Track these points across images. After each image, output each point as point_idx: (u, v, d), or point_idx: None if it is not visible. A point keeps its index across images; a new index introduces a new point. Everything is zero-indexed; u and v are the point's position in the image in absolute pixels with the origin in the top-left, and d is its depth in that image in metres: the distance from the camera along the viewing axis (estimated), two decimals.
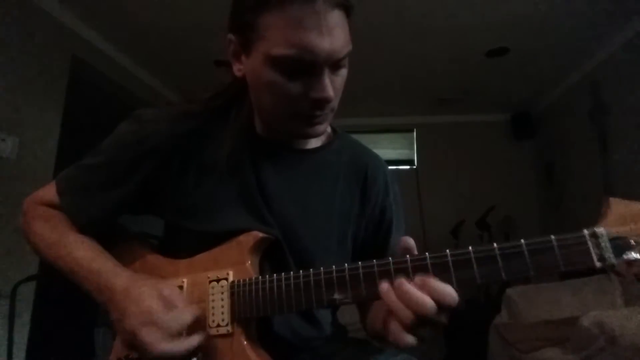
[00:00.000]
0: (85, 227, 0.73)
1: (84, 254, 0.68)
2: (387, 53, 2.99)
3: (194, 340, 0.60)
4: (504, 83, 3.49)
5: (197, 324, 0.62)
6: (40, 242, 0.72)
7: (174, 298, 0.61)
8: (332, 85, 0.63)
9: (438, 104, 3.95)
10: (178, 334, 0.59)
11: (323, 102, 0.62)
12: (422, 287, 0.51)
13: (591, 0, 2.32)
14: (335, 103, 0.67)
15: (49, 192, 0.75)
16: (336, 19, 0.60)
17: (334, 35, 0.59)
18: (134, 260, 0.75)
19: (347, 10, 0.62)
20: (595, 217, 0.51)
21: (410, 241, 0.56)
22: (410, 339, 0.52)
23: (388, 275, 0.54)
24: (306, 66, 0.60)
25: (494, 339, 2.37)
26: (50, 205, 0.74)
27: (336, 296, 0.58)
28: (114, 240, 0.77)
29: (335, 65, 0.62)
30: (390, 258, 0.56)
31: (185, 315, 0.60)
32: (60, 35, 2.42)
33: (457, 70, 3.26)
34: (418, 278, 0.52)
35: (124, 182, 0.71)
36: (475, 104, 3.94)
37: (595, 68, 3.01)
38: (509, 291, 2.48)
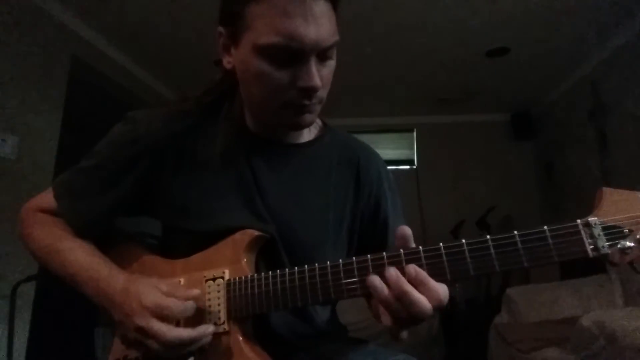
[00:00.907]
0: (82, 230, 0.73)
1: (81, 259, 0.68)
2: (387, 53, 2.99)
3: (209, 327, 0.61)
4: (504, 83, 3.49)
5: (199, 317, 0.63)
6: (39, 249, 0.72)
7: (174, 290, 0.62)
8: (321, 75, 0.63)
9: (438, 104, 3.95)
10: (186, 321, 0.60)
11: (310, 90, 0.63)
12: (423, 291, 0.51)
13: (591, 1, 2.32)
14: (323, 94, 0.67)
15: (46, 198, 0.75)
16: (322, 8, 0.61)
17: (320, 23, 0.60)
18: (131, 261, 0.75)
19: (334, 2, 0.63)
20: (590, 212, 0.51)
21: (407, 230, 0.56)
22: (404, 335, 0.54)
23: (382, 269, 0.54)
24: (293, 54, 0.61)
25: (494, 339, 2.37)
26: (48, 211, 0.75)
27: (332, 292, 0.58)
28: (111, 242, 0.78)
29: (322, 55, 0.63)
30: (384, 253, 0.56)
31: (188, 303, 0.61)
32: (60, 35, 2.42)
33: (457, 70, 3.25)
34: (411, 267, 0.52)
35: (119, 183, 0.72)
36: (475, 104, 3.94)
37: (595, 68, 3.01)
38: (509, 291, 2.48)
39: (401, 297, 0.51)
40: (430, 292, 0.51)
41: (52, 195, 0.75)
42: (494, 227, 3.60)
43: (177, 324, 0.61)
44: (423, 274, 0.52)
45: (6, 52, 2.09)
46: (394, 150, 4.30)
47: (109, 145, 0.74)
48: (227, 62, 0.69)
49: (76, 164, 0.76)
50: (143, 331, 0.58)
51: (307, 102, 0.65)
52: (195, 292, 0.62)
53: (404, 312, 0.51)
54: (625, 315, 1.60)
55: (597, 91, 2.97)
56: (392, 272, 0.53)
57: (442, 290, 0.52)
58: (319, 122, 0.83)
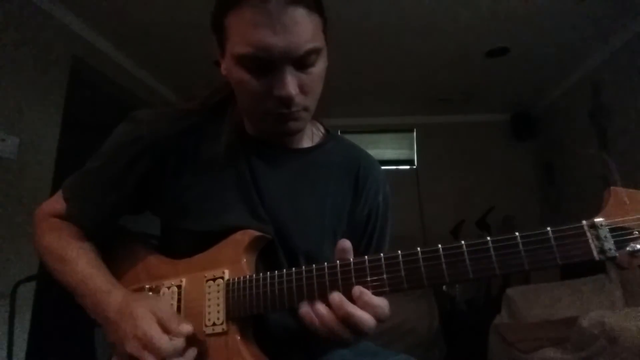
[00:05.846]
0: (90, 232, 0.74)
1: (82, 270, 0.69)
2: (387, 53, 2.99)
3: (191, 353, 0.62)
4: (504, 83, 3.49)
5: (199, 317, 0.64)
6: (48, 256, 0.73)
7: (169, 319, 0.61)
8: (302, 84, 0.63)
9: (438, 104, 3.95)
10: (175, 355, 0.60)
11: (285, 99, 0.62)
12: (368, 310, 0.54)
13: (591, 1, 2.32)
14: (308, 102, 0.67)
15: (58, 201, 0.76)
16: (292, 15, 0.59)
17: (290, 32, 0.59)
18: (135, 261, 0.76)
19: (310, 6, 0.61)
20: (595, 213, 0.49)
21: (347, 243, 0.59)
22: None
23: (378, 270, 0.55)
24: (265, 64, 0.61)
25: (494, 339, 2.37)
26: (60, 215, 0.75)
27: (328, 293, 0.57)
28: (116, 241, 0.78)
29: (299, 63, 0.62)
30: (381, 254, 0.56)
31: (178, 342, 0.60)
32: (60, 35, 2.43)
33: (457, 70, 3.25)
34: (357, 289, 0.55)
35: (122, 183, 0.72)
36: (475, 104, 3.94)
37: (595, 68, 3.01)
38: (509, 291, 2.48)
39: (347, 319, 0.54)
40: (375, 310, 0.54)
41: (62, 198, 0.75)
42: (494, 227, 3.60)
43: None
44: (367, 294, 0.55)
45: (6, 52, 2.09)
46: (394, 150, 4.29)
47: (112, 146, 0.74)
48: (223, 68, 0.69)
49: (81, 164, 0.77)
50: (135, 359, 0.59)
51: (285, 111, 0.64)
52: (188, 329, 0.62)
53: (346, 333, 0.54)
54: (625, 315, 1.60)
55: (597, 91, 2.97)
56: (336, 296, 0.55)
57: (384, 305, 0.55)
58: (321, 128, 0.84)
